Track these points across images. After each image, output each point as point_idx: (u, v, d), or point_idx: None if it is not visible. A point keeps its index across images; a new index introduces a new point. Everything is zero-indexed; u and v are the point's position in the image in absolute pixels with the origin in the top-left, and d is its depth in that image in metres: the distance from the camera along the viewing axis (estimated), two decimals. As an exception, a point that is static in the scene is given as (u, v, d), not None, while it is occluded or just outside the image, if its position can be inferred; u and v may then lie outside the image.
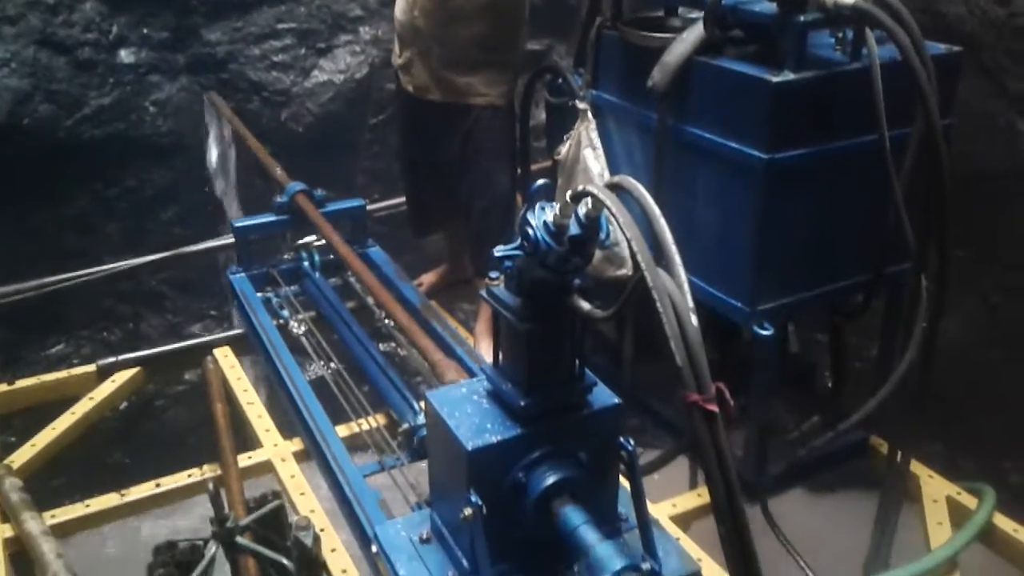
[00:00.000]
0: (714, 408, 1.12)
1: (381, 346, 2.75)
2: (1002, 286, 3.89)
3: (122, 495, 2.24)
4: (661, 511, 2.18)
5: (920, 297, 1.99)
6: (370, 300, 2.87)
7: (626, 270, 2.38)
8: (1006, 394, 3.95)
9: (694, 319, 1.15)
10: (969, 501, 2.17)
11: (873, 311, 2.41)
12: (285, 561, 1.95)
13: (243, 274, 2.99)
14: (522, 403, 1.54)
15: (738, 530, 1.14)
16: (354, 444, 2.38)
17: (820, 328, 2.71)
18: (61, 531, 2.12)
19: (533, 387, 1.55)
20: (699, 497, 2.25)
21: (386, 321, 2.76)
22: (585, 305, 1.44)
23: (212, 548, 1.96)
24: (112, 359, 2.78)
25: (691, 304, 1.16)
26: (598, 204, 1.29)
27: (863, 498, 2.31)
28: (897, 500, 2.10)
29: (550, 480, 1.55)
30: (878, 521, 2.05)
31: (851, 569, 2.09)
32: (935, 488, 2.22)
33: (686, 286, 1.16)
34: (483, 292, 1.59)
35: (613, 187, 1.27)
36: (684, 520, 2.24)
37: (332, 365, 2.54)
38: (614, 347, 2.69)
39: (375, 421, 2.43)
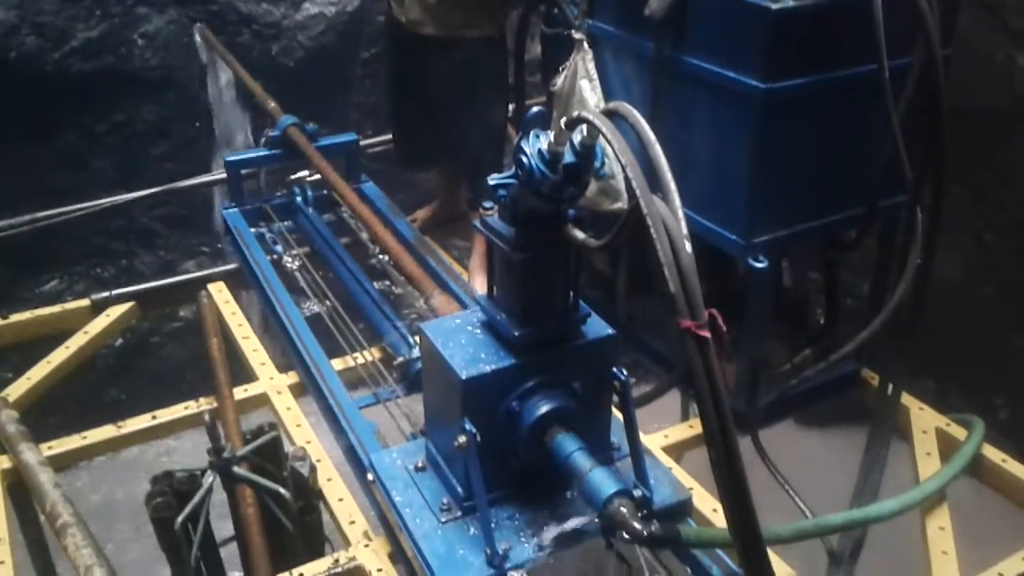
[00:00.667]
0: (706, 334, 1.12)
1: (376, 284, 2.75)
2: (996, 224, 3.90)
3: (119, 427, 2.25)
4: (653, 442, 2.20)
5: (915, 229, 1.99)
6: (364, 235, 2.86)
7: (622, 203, 2.37)
8: (997, 331, 3.98)
9: (688, 246, 1.15)
10: (958, 432, 2.20)
11: (866, 249, 2.42)
12: (282, 490, 1.97)
13: (236, 209, 2.97)
14: (516, 333, 1.55)
15: (729, 455, 1.15)
16: (350, 378, 2.39)
17: (814, 266, 2.71)
18: (58, 463, 2.13)
19: (527, 318, 1.55)
20: (691, 428, 2.27)
21: (380, 256, 2.76)
22: (579, 235, 1.44)
23: (209, 478, 1.98)
24: (106, 293, 2.78)
25: (685, 230, 1.16)
26: (593, 131, 1.28)
27: (854, 430, 2.33)
28: (887, 431, 2.13)
29: (544, 409, 1.57)
30: (867, 452, 2.08)
31: (840, 499, 2.12)
32: (925, 420, 2.25)
33: (680, 212, 1.16)
34: (477, 223, 1.59)
35: (609, 113, 1.26)
36: (676, 450, 2.26)
37: (327, 301, 2.55)
38: (609, 282, 2.70)
39: (370, 355, 2.44)
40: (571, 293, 1.57)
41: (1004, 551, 1.91)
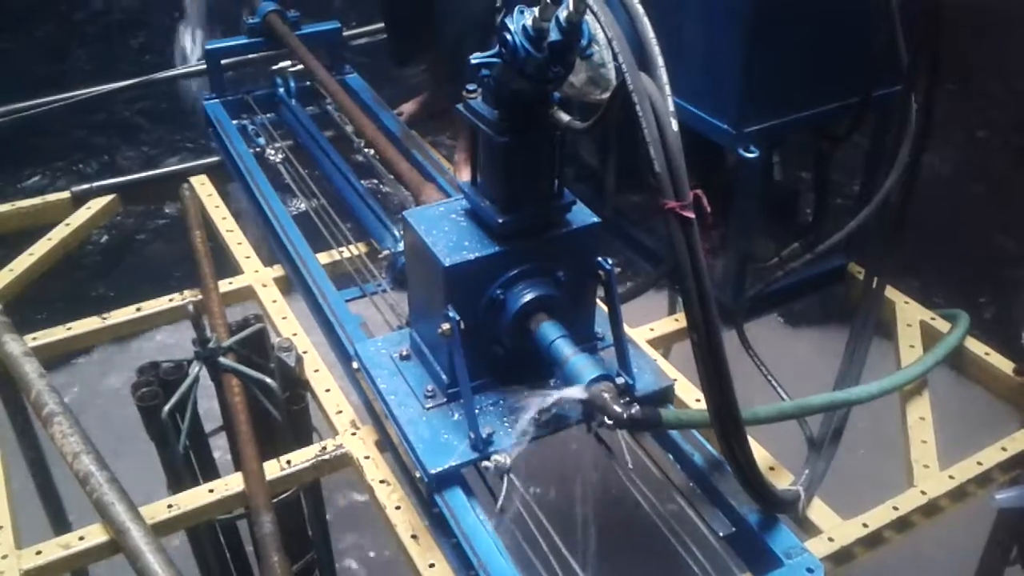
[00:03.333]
0: (691, 215, 1.11)
1: (363, 182, 2.71)
2: (989, 121, 3.86)
3: (103, 319, 2.24)
4: (639, 335, 2.21)
5: (908, 117, 1.95)
6: (348, 128, 2.81)
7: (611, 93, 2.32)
8: (986, 228, 3.99)
9: (674, 123, 1.12)
10: (943, 326, 2.20)
11: (858, 147, 2.38)
12: (268, 380, 1.97)
13: (217, 100, 2.91)
14: (500, 221, 1.53)
15: (709, 334, 1.15)
16: (336, 273, 2.37)
17: (805, 165, 2.68)
18: (43, 354, 2.12)
19: (511, 204, 1.53)
20: (677, 322, 2.27)
21: (365, 150, 2.71)
22: (564, 117, 1.41)
23: (195, 368, 1.99)
24: (87, 186, 2.74)
25: (671, 108, 1.13)
26: (580, 5, 1.23)
27: (839, 324, 2.34)
28: (871, 323, 2.13)
29: (528, 297, 1.56)
30: (850, 342, 2.08)
31: (823, 389, 2.13)
32: (910, 313, 2.25)
33: (667, 89, 1.12)
34: (460, 106, 1.55)
35: (595, -14, 1.21)
36: (662, 343, 2.28)
37: (312, 197, 2.51)
38: (597, 176, 2.66)
39: (356, 249, 2.43)
40: (555, 180, 1.54)
41: (984, 442, 1.94)
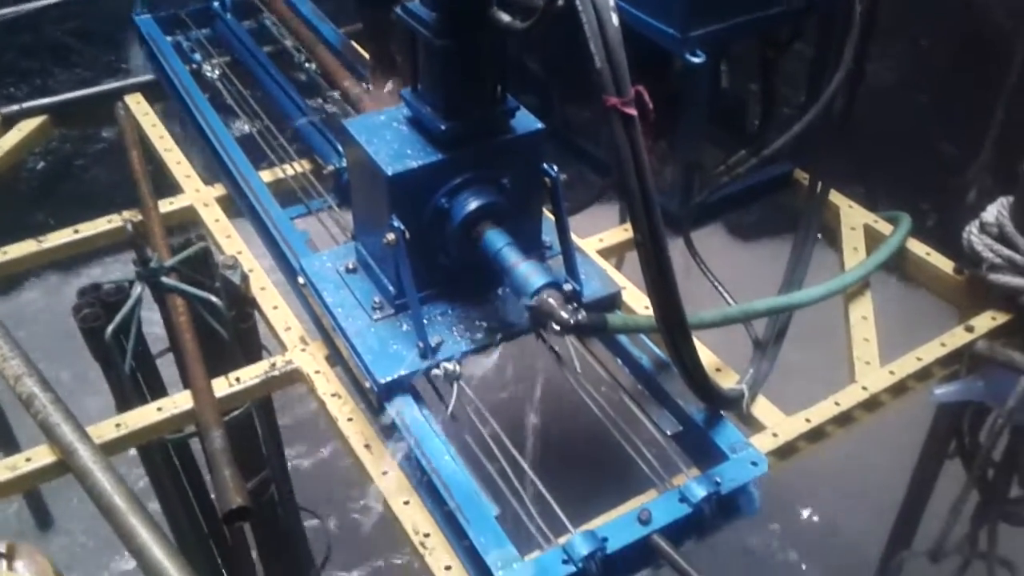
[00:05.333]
0: (633, 111, 1.09)
1: (308, 102, 2.63)
2: (933, 30, 3.86)
3: (39, 242, 2.18)
4: (588, 246, 2.21)
5: (852, 20, 1.94)
6: (288, 42, 2.73)
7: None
8: (930, 137, 4.03)
9: (615, 18, 1.10)
10: (886, 229, 2.24)
11: (805, 60, 2.37)
12: (213, 298, 1.95)
13: (149, 16, 2.80)
14: (442, 127, 1.51)
15: (653, 233, 1.15)
16: (280, 191, 2.33)
17: (752, 76, 2.67)
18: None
19: (453, 110, 1.51)
20: (626, 232, 2.27)
21: (306, 65, 2.64)
22: (505, 17, 1.37)
23: (138, 288, 1.95)
24: (16, 107, 2.64)
25: (612, 2, 1.11)
26: None
27: (785, 230, 2.36)
28: (814, 226, 2.15)
29: (473, 206, 1.55)
30: (795, 246, 2.10)
31: (768, 294, 2.16)
32: (853, 217, 2.28)
33: (607, -18, 1.10)
34: (398, 9, 1.51)
35: None
36: (613, 253, 2.28)
37: (255, 117, 2.45)
38: (543, 87, 2.62)
39: (300, 167, 2.38)
40: (498, 85, 1.52)
41: (924, 339, 1.98)
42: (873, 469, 3.25)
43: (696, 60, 1.99)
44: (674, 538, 1.44)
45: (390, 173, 1.49)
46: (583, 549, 1.36)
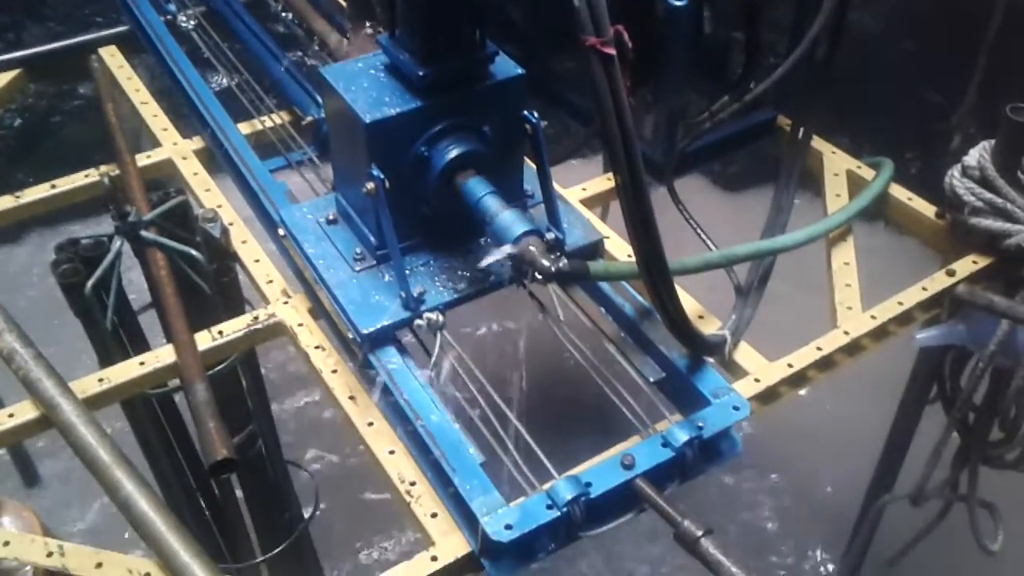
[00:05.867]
0: (612, 51, 1.08)
1: (289, 55, 2.59)
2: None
3: (17, 197, 2.15)
4: (572, 196, 2.19)
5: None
6: (265, -10, 2.68)
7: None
8: (915, 86, 4.01)
9: (592, -46, 1.08)
10: (869, 175, 2.23)
11: (788, 4, 2.34)
12: (193, 252, 1.93)
13: (122, -35, 2.74)
14: (420, 73, 1.49)
15: (633, 176, 1.14)
16: (259, 144, 2.30)
17: (737, 23, 2.64)
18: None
19: (431, 56, 1.49)
20: (609, 181, 2.26)
21: (283, 15, 2.60)
22: (481, -42, 1.35)
23: (117, 242, 1.93)
24: (-12, 61, 2.59)
25: (589, -60, 1.08)
26: None
27: (769, 181, 2.35)
28: (796, 171, 2.14)
29: (453, 153, 1.54)
30: (777, 191, 2.10)
31: (751, 240, 2.16)
32: (836, 163, 2.27)
33: (584, -82, 1.08)
34: (373, -47, 1.48)
35: None
36: (597, 202, 2.27)
37: (233, 71, 2.40)
38: (526, 36, 2.59)
39: (279, 118, 2.35)
40: (477, 30, 1.49)
41: (906, 284, 1.99)
42: (855, 417, 3.30)
43: (678, 3, 1.97)
44: (657, 482, 1.45)
45: (368, 121, 1.47)
46: (567, 494, 1.37)
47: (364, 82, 1.55)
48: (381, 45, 1.56)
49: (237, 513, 2.44)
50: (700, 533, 1.35)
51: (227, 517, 2.44)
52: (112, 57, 2.59)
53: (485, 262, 1.43)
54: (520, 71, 1.57)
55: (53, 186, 2.20)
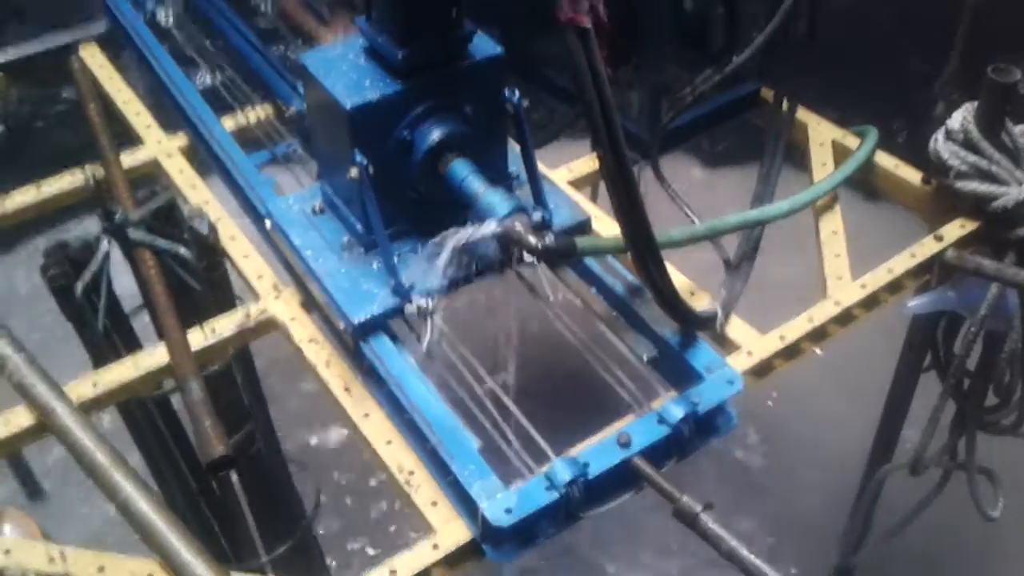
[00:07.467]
0: (587, 23, 1.07)
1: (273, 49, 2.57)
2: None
3: (1, 200, 2.14)
4: (558, 177, 2.18)
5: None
6: (242, -16, 2.66)
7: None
8: (898, 56, 4.01)
9: (564, -72, 1.07)
10: (854, 144, 2.22)
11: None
12: (181, 250, 1.92)
13: (99, -36, 2.72)
14: (399, 55, 1.48)
15: (615, 149, 1.13)
16: (244, 140, 2.29)
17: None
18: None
19: (409, 36, 1.48)
20: (595, 161, 2.25)
21: (262, 6, 2.58)
22: (455, -64, 1.34)
23: (105, 243, 1.92)
24: (-34, 66, 2.57)
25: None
26: None
27: (756, 158, 2.34)
28: (782, 140, 2.13)
29: (436, 136, 1.53)
30: (763, 163, 2.09)
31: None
32: (822, 133, 2.26)
33: None
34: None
35: None
36: (584, 183, 2.26)
37: (216, 67, 2.39)
38: (507, 18, 2.57)
39: (262, 112, 2.34)
40: (454, 8, 1.49)
41: (894, 251, 1.99)
42: (851, 386, 3.30)
43: (657, -21, 1.96)
44: (655, 460, 1.45)
45: (349, 106, 1.46)
46: (565, 475, 1.37)
47: (343, 66, 1.54)
48: (359, 28, 1.56)
49: (239, 514, 2.43)
50: (699, 508, 1.35)
51: (229, 518, 2.44)
52: (93, 57, 2.57)
53: (467, 238, 1.42)
54: (499, 50, 1.57)
55: (39, 187, 2.19)
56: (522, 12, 2.48)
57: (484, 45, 1.56)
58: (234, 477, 2.30)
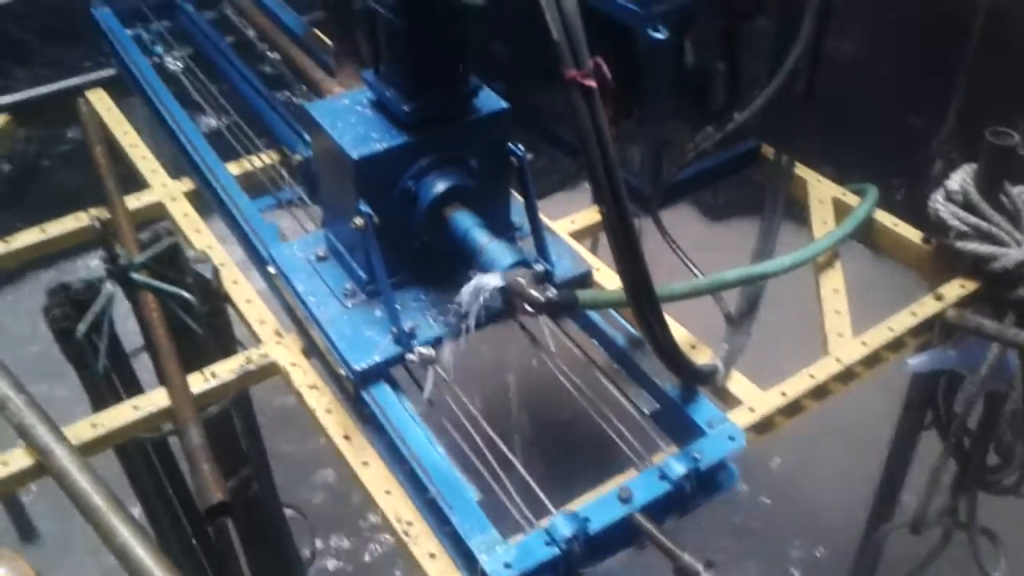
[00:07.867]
0: (591, 83, 1.09)
1: (278, 95, 2.60)
2: (897, 2, 3.88)
3: (7, 242, 2.15)
4: (561, 228, 2.20)
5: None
6: (250, 33, 2.70)
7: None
8: (896, 112, 4.05)
9: (572, -10, 1.10)
10: (855, 202, 2.24)
11: (766, 35, 2.37)
12: (184, 293, 1.93)
13: (108, 9, 2.76)
14: (406, 108, 1.50)
15: (618, 207, 1.14)
16: (249, 185, 2.31)
17: (718, 54, 2.68)
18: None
19: (416, 91, 1.50)
20: (597, 212, 2.27)
21: (269, 54, 2.62)
22: (464, -6, 1.36)
23: (108, 286, 1.93)
24: (-25, 108, 2.60)
25: (569, -25, 1.10)
26: None
27: (756, 212, 2.36)
28: (781, 197, 2.15)
29: (440, 187, 1.54)
30: (763, 219, 2.11)
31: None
32: (822, 190, 2.29)
33: (563, -45, 1.09)
34: (358, -9, 1.49)
35: None
36: (587, 235, 2.27)
37: (221, 111, 2.41)
38: (511, 73, 2.61)
39: (268, 158, 2.36)
40: (460, 64, 1.51)
41: (895, 309, 1.99)
42: (852, 444, 3.28)
43: (658, 36, 1.99)
44: (656, 515, 1.44)
45: (356, 157, 1.48)
46: (566, 530, 1.36)
47: (351, 118, 1.56)
48: (366, 81, 1.58)
49: (234, 558, 2.41)
50: (701, 567, 1.34)
51: (224, 563, 2.41)
52: (100, 100, 2.60)
53: (467, 293, 1.42)
54: (505, 105, 1.59)
55: (43, 230, 2.20)
56: (524, 65, 2.52)
57: (490, 100, 1.58)
58: (230, 523, 2.28)
